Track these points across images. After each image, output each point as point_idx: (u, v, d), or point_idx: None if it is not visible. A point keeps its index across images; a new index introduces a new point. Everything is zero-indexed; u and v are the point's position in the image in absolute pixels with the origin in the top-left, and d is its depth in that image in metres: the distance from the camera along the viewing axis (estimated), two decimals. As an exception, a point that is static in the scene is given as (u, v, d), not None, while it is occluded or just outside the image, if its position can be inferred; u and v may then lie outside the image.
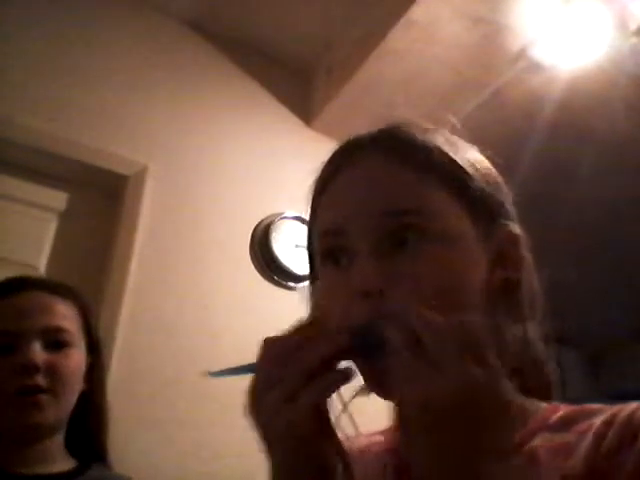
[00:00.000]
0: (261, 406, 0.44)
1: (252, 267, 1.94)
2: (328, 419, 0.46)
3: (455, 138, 0.58)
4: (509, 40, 1.89)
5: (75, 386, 0.93)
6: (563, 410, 0.50)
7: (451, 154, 0.54)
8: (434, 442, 0.40)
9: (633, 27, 1.83)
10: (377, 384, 0.49)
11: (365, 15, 2.03)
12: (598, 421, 0.46)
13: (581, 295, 3.01)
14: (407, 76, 2.03)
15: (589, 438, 0.45)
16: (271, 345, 0.45)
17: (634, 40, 1.85)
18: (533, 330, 0.54)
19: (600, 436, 0.44)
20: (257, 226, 2.00)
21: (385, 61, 1.97)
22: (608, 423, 0.45)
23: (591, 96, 2.09)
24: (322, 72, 2.29)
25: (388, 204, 0.50)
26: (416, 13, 1.80)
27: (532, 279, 0.56)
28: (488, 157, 0.60)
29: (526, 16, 1.82)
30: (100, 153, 1.82)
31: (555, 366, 0.56)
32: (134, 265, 1.72)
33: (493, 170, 0.59)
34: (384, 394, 0.49)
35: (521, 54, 1.93)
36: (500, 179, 0.59)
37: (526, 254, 0.56)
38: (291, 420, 0.42)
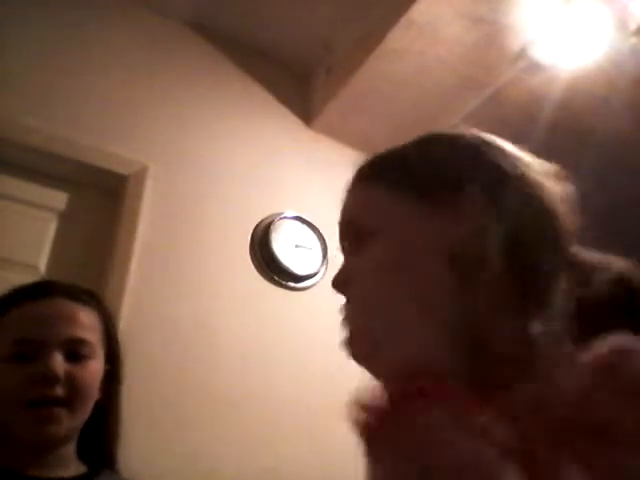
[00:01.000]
0: None
1: (252, 267, 1.94)
2: None
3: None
4: (509, 40, 1.89)
5: (91, 397, 0.92)
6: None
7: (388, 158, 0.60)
8: None
9: (633, 27, 1.83)
10: None
11: (365, 15, 2.03)
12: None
13: (581, 295, 3.00)
14: (407, 76, 2.03)
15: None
16: None
17: (634, 40, 1.85)
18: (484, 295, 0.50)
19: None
20: (257, 226, 2.00)
21: (385, 61, 1.97)
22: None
23: (591, 96, 2.09)
24: (322, 72, 2.29)
25: (353, 218, 0.60)
26: (416, 13, 1.80)
27: (479, 241, 0.51)
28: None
29: (526, 16, 1.82)
30: (100, 153, 1.82)
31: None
32: (134, 265, 1.72)
33: (434, 149, 0.58)
34: None
35: (521, 54, 1.93)
36: (447, 152, 0.57)
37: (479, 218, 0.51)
38: None
